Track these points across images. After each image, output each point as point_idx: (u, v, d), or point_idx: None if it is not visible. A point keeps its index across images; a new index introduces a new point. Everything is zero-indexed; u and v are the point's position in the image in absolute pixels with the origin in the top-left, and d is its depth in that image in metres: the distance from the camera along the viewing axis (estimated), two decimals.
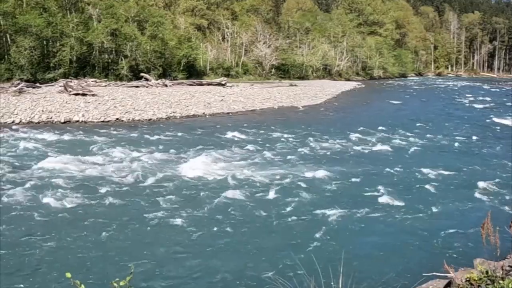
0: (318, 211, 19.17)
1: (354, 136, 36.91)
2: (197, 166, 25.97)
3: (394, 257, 15.11)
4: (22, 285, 13.10)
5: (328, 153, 31.09)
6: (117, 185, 22.65)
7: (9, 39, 62.25)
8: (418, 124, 44.17)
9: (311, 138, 35.74)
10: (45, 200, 20.12)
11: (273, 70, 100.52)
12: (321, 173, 25.11)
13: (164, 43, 75.44)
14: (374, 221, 18.38)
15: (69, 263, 14.30)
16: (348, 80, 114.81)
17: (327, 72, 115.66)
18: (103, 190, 21.80)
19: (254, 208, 19.52)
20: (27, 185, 21.87)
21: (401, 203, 20.40)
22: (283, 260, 14.40)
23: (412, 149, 32.73)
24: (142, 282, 13.05)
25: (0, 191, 21.11)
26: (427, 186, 23.27)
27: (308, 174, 24.96)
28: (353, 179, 24.29)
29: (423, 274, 8.52)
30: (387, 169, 26.42)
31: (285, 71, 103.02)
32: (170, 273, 13.90)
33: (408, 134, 38.53)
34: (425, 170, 26.26)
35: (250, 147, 31.95)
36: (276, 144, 33.39)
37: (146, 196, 20.89)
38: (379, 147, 33.26)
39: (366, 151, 31.92)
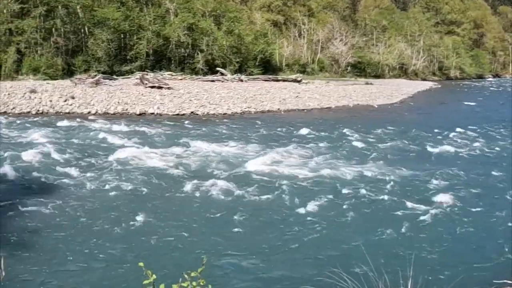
0: (384, 212, 18.80)
1: (428, 136, 35.53)
2: (270, 162, 25.55)
3: (461, 262, 14.41)
4: (94, 272, 13.23)
5: (401, 153, 30.07)
6: (190, 177, 22.41)
7: (87, 32, 62.59)
8: (495, 128, 41.67)
9: (385, 137, 34.76)
10: (119, 190, 20.37)
11: (349, 68, 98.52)
12: (391, 173, 24.18)
13: (240, 38, 74.50)
14: (443, 225, 17.51)
15: (142, 252, 14.47)
16: (424, 80, 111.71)
17: (403, 71, 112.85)
18: (176, 182, 21.81)
19: (321, 205, 19.11)
20: (103, 175, 22.16)
21: (471, 208, 19.27)
22: (351, 258, 13.94)
23: (487, 153, 30.95)
24: (214, 274, 12.74)
25: (78, 179, 21.49)
26: (500, 193, 21.68)
27: (379, 174, 24.12)
28: (424, 180, 23.15)
29: (494, 281, 8.27)
30: (457, 172, 24.96)
31: (361, 69, 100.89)
32: (240, 268, 13.81)
33: (483, 137, 36.25)
34: (497, 175, 24.66)
35: (323, 144, 31.18)
36: (350, 142, 32.44)
37: (218, 190, 20.53)
38: (451, 148, 31.69)
39: (440, 153, 30.52)
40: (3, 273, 5.03)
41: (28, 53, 57.51)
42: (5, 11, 58.36)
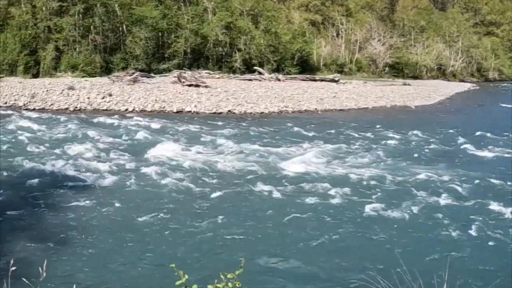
0: (422, 214, 18.51)
1: (466, 139, 34.69)
2: (306, 161, 25.48)
3: (500, 269, 14.05)
4: (130, 270, 13.40)
5: (440, 155, 29.59)
6: (228, 177, 22.55)
7: (125, 30, 62.55)
8: None
9: (422, 139, 34.31)
10: (156, 188, 20.51)
11: (386, 68, 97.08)
12: (430, 175, 23.81)
13: (278, 37, 73.64)
14: (484, 230, 16.96)
15: (180, 252, 14.55)
16: (462, 81, 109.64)
17: (441, 72, 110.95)
18: (214, 181, 21.85)
19: (359, 207, 19.04)
20: (140, 173, 22.47)
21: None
22: (387, 260, 13.83)
23: None
24: (253, 277, 12.53)
25: (115, 177, 21.76)
26: None
27: (417, 175, 23.79)
28: (462, 184, 22.61)
29: None
30: (499, 176, 24.20)
31: (398, 69, 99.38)
32: (277, 270, 13.77)
33: None
34: None
35: (361, 144, 31.17)
36: (388, 143, 32.25)
37: (256, 190, 20.59)
38: (491, 152, 31.01)
39: (480, 156, 30.01)
40: (44, 274, 4.82)
41: (67, 50, 57.74)
42: (44, 8, 58.63)
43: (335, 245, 15.48)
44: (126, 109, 41.50)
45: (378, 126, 38.40)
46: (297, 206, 18.76)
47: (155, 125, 35.07)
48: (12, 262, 5.14)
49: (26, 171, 22.29)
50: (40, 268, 4.88)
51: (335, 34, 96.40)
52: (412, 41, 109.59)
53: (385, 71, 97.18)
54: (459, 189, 21.70)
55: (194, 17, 67.11)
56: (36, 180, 20.83)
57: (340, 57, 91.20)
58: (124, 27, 62.40)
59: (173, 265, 5.27)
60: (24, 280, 5.59)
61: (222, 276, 5.08)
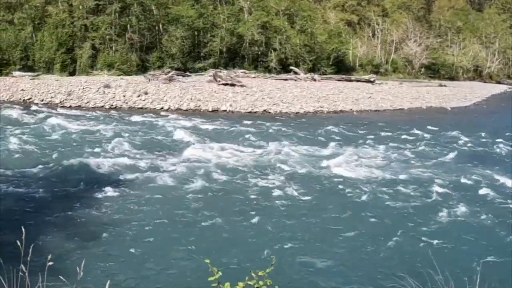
0: (457, 216, 18.24)
1: (503, 141, 33.85)
2: (344, 162, 25.28)
3: None
4: (165, 267, 13.49)
5: (477, 158, 28.85)
6: (263, 176, 22.41)
7: (161, 29, 62.64)
8: None
9: (458, 141, 33.67)
10: (191, 186, 20.43)
11: (422, 69, 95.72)
12: (466, 178, 23.35)
13: (314, 37, 72.88)
14: None
15: (213, 249, 14.58)
16: (499, 82, 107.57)
17: (477, 74, 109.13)
18: (248, 180, 21.74)
19: (394, 208, 18.95)
20: (175, 171, 22.50)
21: None
22: (420, 262, 13.68)
23: None
24: (282, 276, 12.27)
25: (150, 175, 21.83)
26: None
27: (452, 178, 23.46)
28: (498, 188, 21.94)
29: None
30: None
31: (434, 70, 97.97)
32: (309, 270, 13.66)
33: None
34: None
35: (396, 145, 30.89)
36: (422, 145, 31.81)
37: (290, 190, 20.36)
38: None
39: None
40: (81, 273, 4.80)
41: (103, 49, 58.09)
42: (80, 7, 59.06)
43: (369, 245, 15.36)
44: (162, 108, 41.45)
45: (414, 127, 37.79)
46: (332, 207, 18.67)
47: (191, 123, 35.00)
48: (49, 257, 5.01)
49: (63, 168, 22.47)
50: (77, 268, 4.84)
51: (371, 35, 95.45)
52: (448, 42, 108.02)
53: (421, 72, 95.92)
54: (493, 193, 21.11)
55: (230, 17, 66.82)
56: (72, 177, 21.08)
57: (376, 57, 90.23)
58: (161, 26, 62.50)
59: (208, 260, 5.21)
60: (61, 277, 5.48)
61: (253, 274, 5.09)
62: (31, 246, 4.89)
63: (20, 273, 4.74)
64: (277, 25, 69.32)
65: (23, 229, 5.08)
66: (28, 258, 4.70)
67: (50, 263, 4.88)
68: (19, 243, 4.84)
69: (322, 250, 14.90)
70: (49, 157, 24.24)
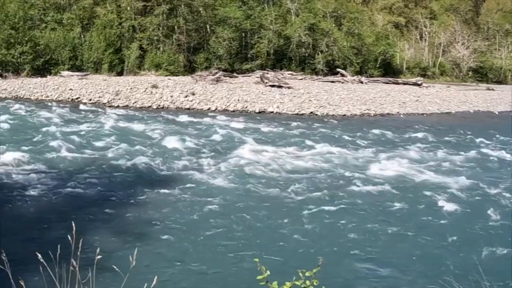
0: (505, 223, 17.74)
1: None
2: (387, 166, 25.08)
3: None
4: (213, 264, 13.74)
5: None
6: (309, 178, 22.37)
7: (208, 30, 62.59)
8: None
9: (506, 146, 32.82)
10: (238, 186, 20.74)
11: (470, 72, 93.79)
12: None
13: (361, 39, 71.78)
14: None
15: (260, 249, 14.67)
16: None
17: None
18: (295, 182, 21.60)
19: (444, 212, 18.69)
20: (222, 172, 22.66)
21: None
22: (466, 267, 13.35)
23: None
24: (329, 277, 12.27)
25: (197, 175, 22.08)
26: None
27: (501, 184, 22.78)
28: None
29: None
30: None
31: (482, 74, 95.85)
32: (356, 269, 13.82)
33: None
34: None
35: (441, 150, 30.21)
36: (469, 149, 31.00)
37: (337, 192, 20.39)
38: None
39: None
40: (134, 263, 4.71)
41: (150, 49, 58.18)
42: (128, 8, 59.33)
43: (414, 250, 15.32)
44: (209, 108, 41.49)
45: (461, 131, 37.45)
46: (379, 210, 18.70)
47: (238, 124, 34.95)
48: (97, 251, 5.02)
49: (110, 166, 23.01)
50: (130, 257, 4.76)
51: (418, 37, 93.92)
52: (496, 45, 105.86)
53: (469, 76, 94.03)
54: None
55: (277, 18, 66.15)
56: (120, 176, 21.68)
57: (423, 60, 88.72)
58: (208, 27, 62.52)
59: (257, 259, 5.21)
60: (114, 266, 5.49)
61: (300, 274, 5.06)
62: (81, 241, 4.82)
63: (71, 267, 4.68)
64: (324, 27, 68.48)
65: (73, 225, 5.08)
66: (78, 253, 4.69)
67: (99, 257, 4.89)
68: (69, 238, 4.88)
69: (369, 252, 14.92)
70: (97, 156, 24.74)
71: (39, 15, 58.65)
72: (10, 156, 23.64)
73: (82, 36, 57.85)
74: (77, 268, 4.63)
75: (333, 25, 71.10)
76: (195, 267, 13.51)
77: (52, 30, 56.98)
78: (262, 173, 22.65)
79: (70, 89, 44.96)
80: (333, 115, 42.45)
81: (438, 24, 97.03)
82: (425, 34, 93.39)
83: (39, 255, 4.81)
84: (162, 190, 19.74)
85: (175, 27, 59.63)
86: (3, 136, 28.49)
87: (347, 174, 23.18)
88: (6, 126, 31.14)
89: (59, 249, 5.05)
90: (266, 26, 64.73)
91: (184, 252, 14.36)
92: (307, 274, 5.06)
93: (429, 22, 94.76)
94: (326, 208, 18.51)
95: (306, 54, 66.90)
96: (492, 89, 75.18)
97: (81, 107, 39.79)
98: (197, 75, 51.97)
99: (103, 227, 15.77)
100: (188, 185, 20.56)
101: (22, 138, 28.15)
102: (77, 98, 43.30)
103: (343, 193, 20.29)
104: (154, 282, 4.70)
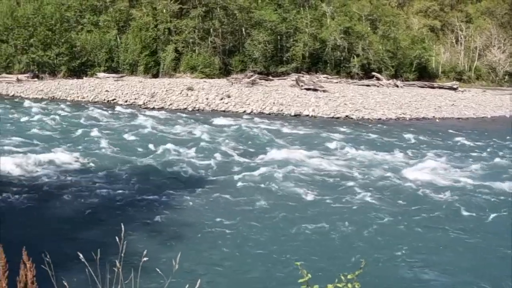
0: None
1: None
2: (424, 171, 24.67)
3: None
4: (252, 267, 13.79)
5: None
6: (345, 182, 22.35)
7: (244, 33, 62.32)
8: None
9: None
10: (273, 189, 20.78)
11: (506, 76, 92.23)
12: None
13: (397, 43, 70.83)
14: None
15: (297, 251, 14.71)
16: None
17: None
18: (331, 185, 21.83)
19: (481, 218, 18.37)
20: (258, 174, 22.66)
21: None
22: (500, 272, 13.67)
23: None
24: (371, 280, 12.44)
25: (232, 177, 22.17)
26: None
27: None
28: None
29: None
30: None
31: None
32: (397, 273, 13.74)
33: None
34: None
35: (480, 155, 29.70)
36: (506, 155, 30.05)
37: (372, 197, 20.25)
38: None
39: None
40: (177, 266, 4.49)
41: (186, 52, 58.13)
42: (164, 11, 59.29)
43: (450, 253, 15.15)
44: (244, 111, 41.36)
45: (498, 136, 36.48)
46: (419, 214, 18.53)
47: (273, 127, 34.91)
48: (144, 253, 4.98)
49: (148, 168, 23.46)
50: (173, 260, 4.62)
51: (454, 41, 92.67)
52: None
53: (505, 80, 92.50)
54: None
55: (312, 21, 65.65)
56: (157, 177, 22.05)
57: (459, 64, 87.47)
58: (243, 30, 62.26)
59: (298, 263, 5.21)
60: (157, 270, 5.47)
61: (342, 277, 5.00)
62: (125, 243, 4.76)
63: (115, 268, 4.59)
64: (359, 30, 67.67)
65: (122, 227, 5.04)
66: (123, 254, 4.58)
67: (145, 259, 4.82)
68: (117, 239, 4.79)
69: (412, 256, 14.76)
70: (134, 157, 25.13)
71: (76, 17, 59.45)
72: (48, 156, 24.06)
73: (118, 38, 58.20)
74: (120, 269, 4.54)
75: (369, 28, 70.44)
76: (236, 270, 13.54)
77: (88, 32, 57.43)
78: (298, 176, 22.61)
79: (106, 90, 45.33)
80: (368, 118, 42.04)
81: (474, 27, 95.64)
82: (461, 38, 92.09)
83: (81, 255, 4.76)
84: (199, 193, 19.86)
85: (211, 29, 59.59)
86: (41, 137, 28.98)
87: (383, 177, 23.08)
88: (43, 127, 31.73)
89: (99, 250, 4.94)
90: (301, 29, 64.25)
91: (224, 255, 14.37)
92: (349, 277, 5.01)
93: (464, 26, 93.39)
94: (364, 211, 18.54)
95: (342, 58, 66.21)
96: None
97: (117, 108, 40.07)
98: (233, 78, 51.91)
99: (141, 229, 15.93)
100: (224, 188, 20.63)
101: (60, 139, 28.67)
102: (113, 100, 43.68)
103: (380, 197, 20.18)
104: (197, 286, 4.66)
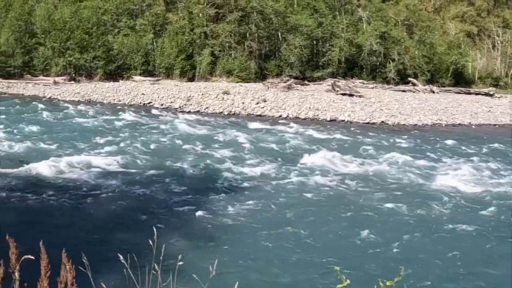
0: None
1: None
2: (463, 178, 24.60)
3: None
4: (291, 271, 13.79)
5: None
6: (381, 188, 22.41)
7: (280, 37, 61.91)
8: None
9: None
10: (308, 194, 20.77)
11: None
12: None
13: (433, 48, 70.01)
14: None
15: (335, 257, 14.54)
16: None
17: None
18: (367, 191, 21.80)
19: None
20: (292, 179, 22.89)
21: None
22: None
23: None
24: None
25: (267, 182, 22.45)
26: None
27: None
28: None
29: None
30: None
31: None
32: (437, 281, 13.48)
33: None
34: None
35: None
36: None
37: (409, 203, 20.19)
38: None
39: None
40: (214, 272, 4.52)
41: (222, 56, 57.98)
42: (200, 15, 59.39)
43: (491, 264, 14.97)
44: (280, 116, 41.25)
45: None
46: (459, 222, 18.31)
47: (309, 132, 34.80)
48: (180, 257, 4.93)
49: (183, 171, 23.82)
50: (210, 266, 4.55)
51: (491, 46, 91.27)
52: None
53: None
54: None
55: (348, 26, 65.12)
56: (192, 181, 22.49)
57: (495, 70, 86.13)
58: (279, 34, 61.86)
59: (337, 268, 5.09)
60: (194, 275, 5.35)
61: (381, 283, 4.85)
62: (164, 246, 4.83)
63: (153, 271, 4.55)
64: (395, 35, 67.20)
65: (154, 230, 4.96)
66: (161, 258, 4.53)
67: (180, 263, 4.78)
68: (151, 243, 4.70)
69: (453, 266, 14.66)
70: (170, 160, 25.52)
71: (112, 21, 59.75)
72: (85, 159, 24.64)
73: (154, 42, 58.31)
74: (158, 273, 4.46)
75: (405, 33, 69.84)
76: (273, 275, 13.61)
77: (125, 35, 57.52)
78: (335, 182, 22.86)
79: (142, 93, 45.55)
80: (404, 124, 41.69)
81: (511, 33, 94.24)
82: (498, 43, 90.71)
83: (121, 256, 4.69)
84: (235, 197, 20.15)
85: (247, 34, 59.47)
86: (78, 138, 29.60)
87: (421, 184, 23.15)
88: (80, 129, 32.20)
89: (135, 252, 4.96)
90: (337, 34, 63.68)
91: (261, 260, 14.48)
92: (388, 283, 4.86)
93: (501, 31, 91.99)
94: (402, 217, 18.61)
95: (377, 63, 65.57)
96: None
97: (153, 111, 40.31)
98: (269, 82, 51.75)
99: (177, 232, 15.97)
100: (261, 192, 20.95)
101: (96, 142, 29.02)
102: (149, 103, 43.89)
103: (419, 204, 20.14)
104: None
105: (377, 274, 12.18)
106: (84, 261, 4.26)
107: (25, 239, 3.97)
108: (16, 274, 3.54)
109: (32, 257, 3.54)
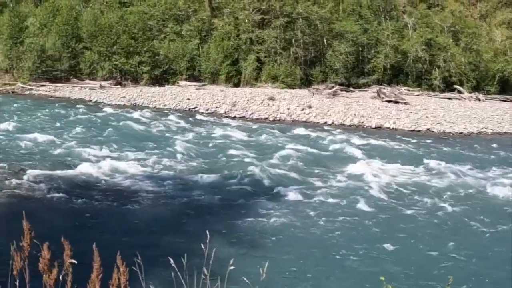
0: None
1: None
2: (504, 187, 24.24)
3: None
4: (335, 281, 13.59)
5: None
6: (425, 197, 22.03)
7: (325, 43, 61.53)
8: None
9: None
10: (354, 204, 20.64)
11: None
12: None
13: (479, 55, 68.62)
14: None
15: (385, 265, 14.52)
16: None
17: None
18: (414, 200, 21.64)
19: None
20: (336, 187, 22.86)
21: None
22: None
23: None
24: None
25: (311, 189, 22.35)
26: None
27: None
28: None
29: None
30: None
31: None
32: None
33: None
34: None
35: None
36: None
37: (453, 213, 19.93)
38: None
39: None
40: (264, 275, 4.55)
41: (267, 61, 57.75)
42: (246, 21, 59.21)
43: None
44: (325, 122, 41.07)
45: None
46: (496, 235, 18.07)
47: (354, 139, 34.56)
48: (231, 261, 4.80)
49: (228, 175, 24.03)
50: (261, 269, 4.51)
51: None
52: None
53: None
54: None
55: (394, 33, 64.47)
56: (235, 185, 22.61)
57: None
58: (325, 40, 61.48)
59: (383, 278, 5.12)
60: (244, 278, 5.46)
61: None
62: (214, 250, 4.79)
63: (202, 275, 4.59)
64: (441, 42, 66.13)
65: (207, 233, 5.02)
66: (211, 262, 4.52)
67: (231, 268, 4.73)
68: (202, 246, 4.77)
69: (496, 274, 14.56)
70: (217, 165, 25.83)
71: (158, 26, 59.99)
72: (132, 162, 25.01)
73: (200, 47, 58.45)
74: (207, 276, 4.49)
75: (450, 40, 68.69)
76: (321, 281, 13.54)
77: (171, 41, 57.63)
78: (375, 190, 22.71)
79: (188, 98, 45.74)
80: (449, 132, 41.14)
81: None
82: None
83: (171, 260, 4.74)
84: (281, 202, 20.29)
85: (293, 40, 59.13)
86: (125, 141, 29.86)
87: (467, 194, 22.81)
88: (126, 133, 32.51)
89: (183, 256, 4.86)
90: (383, 41, 63.19)
91: (310, 265, 14.41)
92: None
93: None
94: (448, 226, 18.48)
95: (423, 70, 64.69)
96: None
97: (198, 116, 40.54)
98: (314, 89, 51.37)
99: (224, 236, 16.06)
100: (306, 198, 21.04)
101: (143, 146, 29.33)
102: (194, 108, 43.98)
103: (467, 212, 20.04)
104: None
105: (425, 284, 12.93)
106: (139, 261, 4.34)
107: (75, 241, 3.85)
108: (70, 276, 3.58)
109: (75, 261, 3.57)
